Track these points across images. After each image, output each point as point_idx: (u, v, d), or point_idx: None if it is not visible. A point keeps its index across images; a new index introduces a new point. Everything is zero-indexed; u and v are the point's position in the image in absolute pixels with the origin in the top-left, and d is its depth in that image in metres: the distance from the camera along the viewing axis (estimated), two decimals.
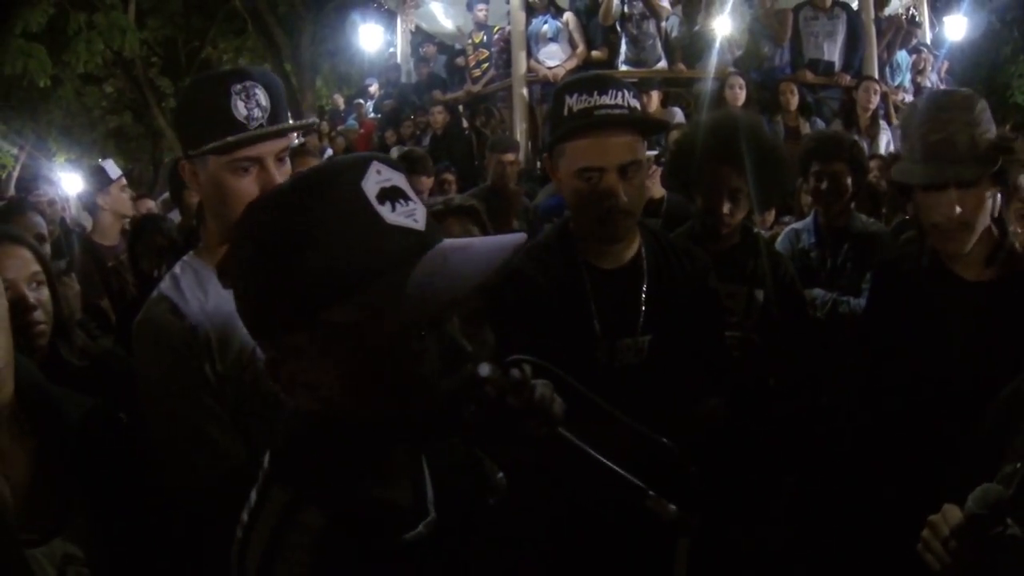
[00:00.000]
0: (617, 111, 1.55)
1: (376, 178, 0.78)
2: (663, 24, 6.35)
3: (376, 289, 0.74)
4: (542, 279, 1.62)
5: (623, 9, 6.33)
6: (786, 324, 2.29)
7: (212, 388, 1.32)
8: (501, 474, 1.10)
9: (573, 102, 1.56)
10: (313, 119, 7.40)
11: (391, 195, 0.78)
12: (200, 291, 1.37)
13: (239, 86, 1.33)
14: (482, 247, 0.82)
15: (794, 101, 5.57)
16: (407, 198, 0.79)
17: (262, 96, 1.35)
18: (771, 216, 4.25)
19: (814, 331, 2.57)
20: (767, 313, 2.28)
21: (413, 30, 9.25)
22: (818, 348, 2.52)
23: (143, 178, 16.17)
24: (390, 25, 10.24)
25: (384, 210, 0.77)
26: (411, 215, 0.78)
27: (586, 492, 1.31)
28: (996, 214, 1.70)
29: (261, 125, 1.33)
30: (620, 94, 1.56)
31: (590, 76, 1.67)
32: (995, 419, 1.28)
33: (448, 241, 0.81)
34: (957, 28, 8.30)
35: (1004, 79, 13.43)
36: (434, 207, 2.06)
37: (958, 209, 1.63)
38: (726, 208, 2.19)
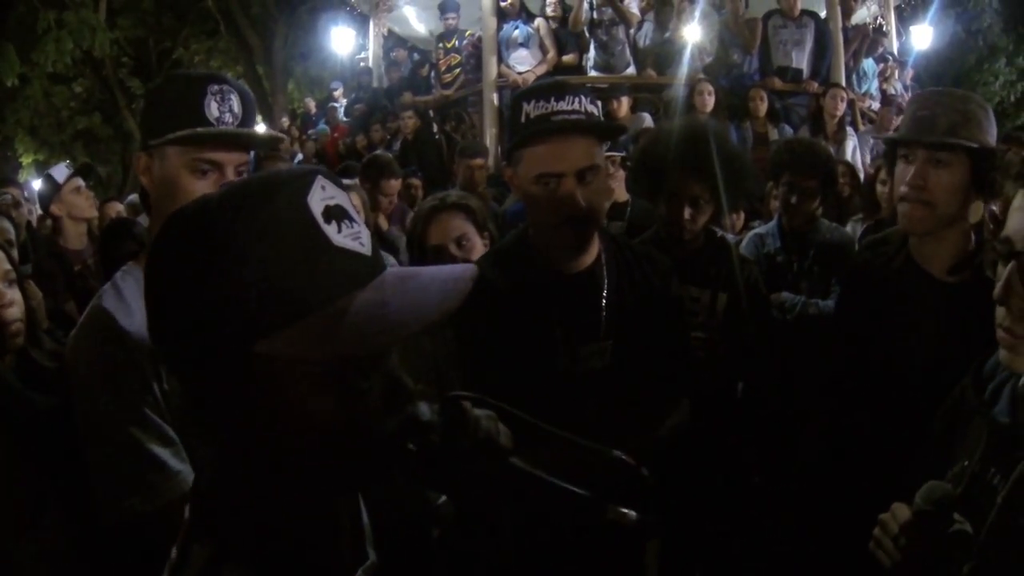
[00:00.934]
0: (574, 116, 1.55)
1: (321, 194, 0.69)
2: (632, 31, 6.39)
3: (318, 318, 0.65)
4: (503, 285, 1.62)
5: (592, 15, 6.36)
6: (751, 327, 2.32)
7: (159, 408, 1.26)
8: (443, 498, 1.07)
9: (531, 108, 1.56)
10: (281, 134, 7.33)
11: (336, 214, 0.69)
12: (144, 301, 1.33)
13: (216, 87, 1.32)
14: (434, 277, 0.73)
15: (763, 108, 5.64)
16: (352, 219, 0.71)
17: (236, 103, 1.34)
18: (740, 220, 4.30)
19: (779, 333, 2.62)
20: (731, 316, 2.31)
21: (386, 34, 9.21)
22: (784, 350, 2.57)
23: (112, 180, 15.92)
24: (363, 28, 10.20)
25: (330, 230, 0.68)
26: (357, 238, 0.70)
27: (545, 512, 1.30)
28: (976, 220, 1.75)
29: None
30: (577, 99, 1.57)
31: (548, 83, 1.68)
32: (944, 419, 1.29)
33: (395, 269, 0.74)
34: (923, 37, 8.45)
35: (968, 86, 13.64)
36: (429, 203, 2.07)
37: (922, 180, 1.70)
38: (687, 214, 2.23)
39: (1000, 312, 1.06)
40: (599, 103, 1.66)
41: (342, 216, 0.70)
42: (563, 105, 1.55)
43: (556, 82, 1.67)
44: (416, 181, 5.26)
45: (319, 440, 0.70)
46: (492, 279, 1.62)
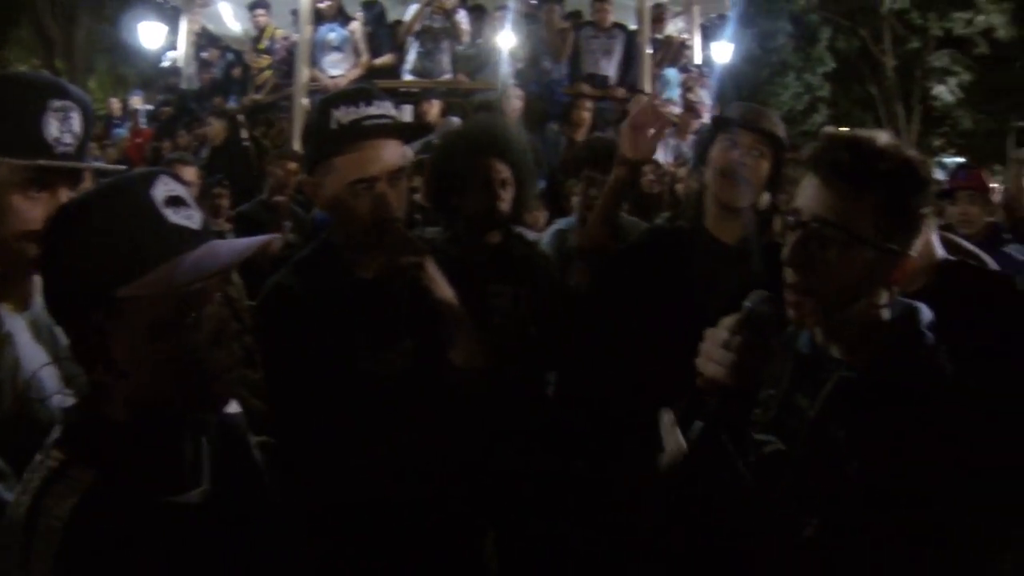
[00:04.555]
0: (383, 120, 1.56)
1: (164, 188, 0.99)
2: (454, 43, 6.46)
3: (159, 270, 0.94)
4: (305, 293, 1.61)
5: (422, 24, 6.36)
6: (554, 320, 2.35)
7: None
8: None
9: (341, 115, 1.54)
10: (123, 167, 6.70)
11: (175, 202, 0.99)
12: None
13: (59, 103, 1.22)
14: (242, 241, 1.04)
15: (587, 117, 5.75)
16: (188, 205, 1.00)
17: (77, 122, 1.23)
18: (543, 217, 4.41)
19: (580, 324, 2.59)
20: (533, 310, 2.32)
21: (198, 31, 8.68)
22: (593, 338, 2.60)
23: None
24: (174, 24, 9.55)
25: (168, 212, 0.97)
26: (189, 217, 1.00)
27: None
28: (763, 207, 2.13)
29: (68, 154, 1.22)
30: (384, 104, 1.58)
31: (355, 89, 1.66)
32: None
33: (218, 240, 1.03)
34: (723, 52, 9.12)
35: (763, 97, 15.23)
36: None
37: (747, 160, 2.02)
38: (501, 196, 2.25)
39: (788, 273, 1.18)
40: (406, 107, 1.67)
41: (180, 203, 0.99)
42: (372, 110, 1.55)
43: (364, 88, 1.66)
44: (221, 190, 4.98)
45: (164, 364, 0.96)
46: (293, 287, 1.62)
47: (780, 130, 2.12)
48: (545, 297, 2.37)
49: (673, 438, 2.27)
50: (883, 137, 1.19)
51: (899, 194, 1.15)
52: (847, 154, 1.15)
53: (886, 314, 1.20)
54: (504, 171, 2.27)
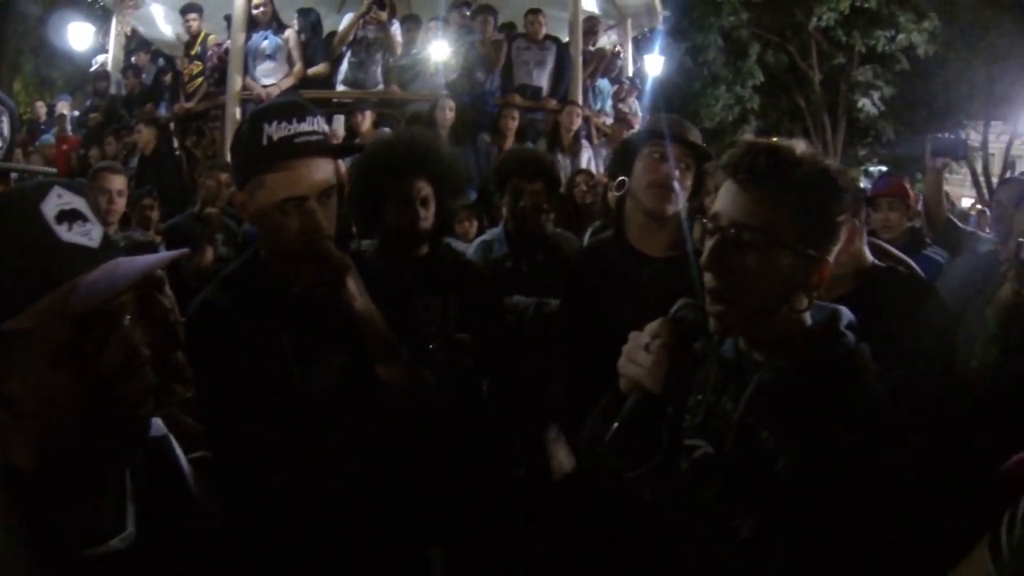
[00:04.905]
0: (315, 138, 1.54)
1: (56, 201, 0.88)
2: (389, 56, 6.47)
3: (50, 297, 0.84)
4: (234, 310, 1.59)
5: (356, 34, 6.35)
6: (485, 330, 2.37)
7: None
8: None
9: (273, 131, 1.51)
10: (52, 169, 6.48)
11: (70, 216, 0.87)
12: None
13: None
14: (144, 259, 0.92)
15: (512, 126, 5.92)
16: (85, 219, 0.89)
17: (6, 125, 1.23)
18: (473, 227, 4.48)
19: (514, 334, 2.68)
20: (463, 321, 2.34)
21: (129, 33, 8.44)
22: (523, 349, 2.64)
23: None
24: (104, 25, 9.23)
25: (61, 229, 0.87)
26: (87, 234, 0.89)
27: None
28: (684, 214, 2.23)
29: None
30: (316, 120, 1.56)
31: (288, 103, 1.64)
32: None
33: (121, 258, 0.92)
34: (655, 65, 9.40)
35: (694, 108, 15.81)
36: None
37: (676, 171, 2.11)
38: (422, 215, 2.28)
39: (707, 278, 1.19)
40: (338, 117, 1.67)
41: (75, 217, 0.88)
42: (305, 126, 1.53)
43: (296, 103, 1.64)
44: (151, 201, 4.88)
45: (67, 399, 0.86)
46: (222, 304, 1.59)
47: (700, 141, 2.23)
48: (474, 307, 2.38)
49: (561, 450, 2.37)
50: (801, 145, 1.20)
51: (816, 200, 1.16)
52: (764, 159, 1.15)
53: (807, 318, 1.21)
54: (425, 188, 2.29)
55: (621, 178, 2.25)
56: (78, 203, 0.89)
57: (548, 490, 2.39)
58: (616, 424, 1.17)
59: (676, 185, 2.12)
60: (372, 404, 1.61)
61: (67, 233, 0.87)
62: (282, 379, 1.58)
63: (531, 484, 2.54)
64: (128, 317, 0.92)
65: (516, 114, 5.99)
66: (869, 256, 1.98)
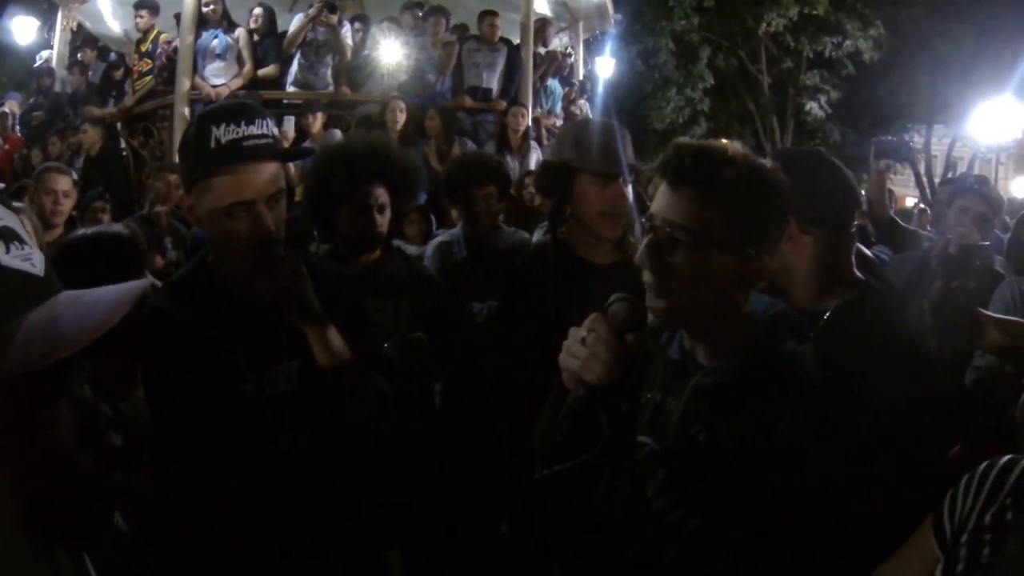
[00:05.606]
0: (264, 141, 1.52)
1: None
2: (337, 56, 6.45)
3: None
4: (183, 316, 1.56)
5: (306, 36, 6.33)
6: (436, 332, 2.40)
7: None
8: None
9: (220, 133, 1.48)
10: None
11: (5, 236, 0.68)
12: None
13: None
14: (106, 295, 0.71)
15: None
16: (23, 241, 0.69)
17: None
18: (420, 230, 4.51)
19: (465, 336, 2.67)
20: (416, 324, 2.37)
21: (75, 28, 8.22)
22: (476, 352, 2.59)
23: None
24: (49, 20, 8.95)
25: None
26: (28, 259, 0.69)
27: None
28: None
29: None
30: (265, 123, 1.53)
31: (236, 105, 1.61)
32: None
33: (68, 292, 0.72)
34: (606, 67, 9.55)
35: (645, 111, 16.11)
36: None
37: (626, 201, 2.12)
38: (379, 221, 2.31)
39: (644, 275, 1.21)
40: (288, 118, 1.65)
41: (11, 238, 0.68)
42: (253, 129, 1.50)
43: (245, 105, 1.61)
44: (102, 204, 4.77)
45: (15, 478, 0.66)
46: (170, 311, 1.56)
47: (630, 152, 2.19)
48: (426, 310, 2.41)
49: None
50: (734, 146, 1.21)
51: (747, 200, 1.17)
52: (690, 160, 1.16)
53: (746, 317, 1.23)
54: (382, 195, 2.32)
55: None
56: (11, 220, 0.71)
57: (504, 491, 2.36)
58: (561, 418, 1.19)
59: (626, 211, 2.13)
60: (325, 410, 1.59)
61: (6, 256, 0.68)
62: (234, 386, 1.56)
63: (488, 492, 2.51)
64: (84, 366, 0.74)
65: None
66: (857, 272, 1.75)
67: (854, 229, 1.71)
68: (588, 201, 2.13)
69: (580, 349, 1.21)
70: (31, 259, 0.69)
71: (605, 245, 2.18)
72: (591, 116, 8.07)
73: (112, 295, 0.71)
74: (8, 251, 0.68)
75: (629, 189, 2.16)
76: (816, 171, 1.68)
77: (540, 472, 1.25)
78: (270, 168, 1.53)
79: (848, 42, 15.46)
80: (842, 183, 1.70)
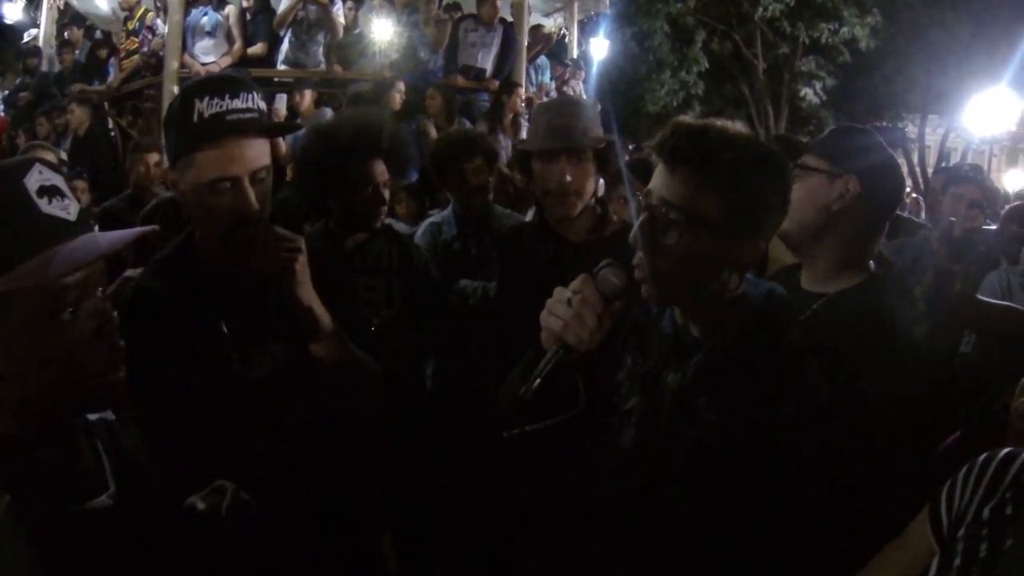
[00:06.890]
0: (248, 115, 1.47)
1: (38, 177, 0.95)
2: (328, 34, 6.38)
3: (32, 262, 0.91)
4: (168, 295, 1.53)
5: (297, 14, 6.23)
6: (428, 312, 2.40)
7: None
8: None
9: (204, 107, 1.43)
10: None
11: (50, 192, 0.95)
12: None
13: None
14: (119, 233, 1.01)
15: (435, 106, 5.73)
16: (64, 195, 0.97)
17: None
18: (412, 208, 4.48)
19: (455, 315, 2.65)
20: (407, 301, 2.37)
21: (61, 7, 8.16)
22: (469, 332, 2.61)
23: None
24: None
25: (42, 202, 0.94)
26: (65, 209, 0.96)
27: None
28: (599, 195, 2.27)
29: None
30: (251, 97, 1.48)
31: (221, 78, 1.59)
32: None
33: (95, 232, 1.00)
34: (600, 49, 9.48)
35: (639, 93, 16.05)
36: None
37: (568, 177, 2.12)
38: (385, 196, 2.30)
39: (637, 255, 1.20)
40: (280, 96, 1.61)
41: (54, 193, 0.96)
42: (238, 103, 1.45)
43: (229, 77, 1.56)
44: (81, 183, 4.68)
45: (43, 364, 0.93)
46: (155, 289, 1.54)
47: (595, 130, 2.17)
48: (418, 289, 2.40)
49: None
50: (736, 127, 1.19)
51: (744, 182, 1.15)
52: (686, 141, 1.16)
53: (738, 299, 1.22)
54: (384, 173, 2.29)
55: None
56: (57, 180, 0.98)
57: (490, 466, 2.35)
58: (534, 376, 1.17)
59: (572, 189, 2.14)
60: (312, 391, 1.58)
61: (47, 206, 0.94)
62: (220, 366, 1.53)
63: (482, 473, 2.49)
64: (100, 288, 0.99)
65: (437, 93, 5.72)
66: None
67: (891, 219, 1.73)
68: (537, 180, 2.20)
69: (564, 309, 1.19)
70: (67, 209, 0.97)
71: (579, 222, 2.21)
72: (584, 96, 8.01)
73: (121, 233, 1.03)
74: (51, 202, 0.95)
75: (589, 166, 2.18)
76: (882, 146, 1.69)
77: (508, 431, 1.24)
78: (255, 143, 1.48)
79: (845, 29, 15.42)
80: (898, 169, 1.75)
